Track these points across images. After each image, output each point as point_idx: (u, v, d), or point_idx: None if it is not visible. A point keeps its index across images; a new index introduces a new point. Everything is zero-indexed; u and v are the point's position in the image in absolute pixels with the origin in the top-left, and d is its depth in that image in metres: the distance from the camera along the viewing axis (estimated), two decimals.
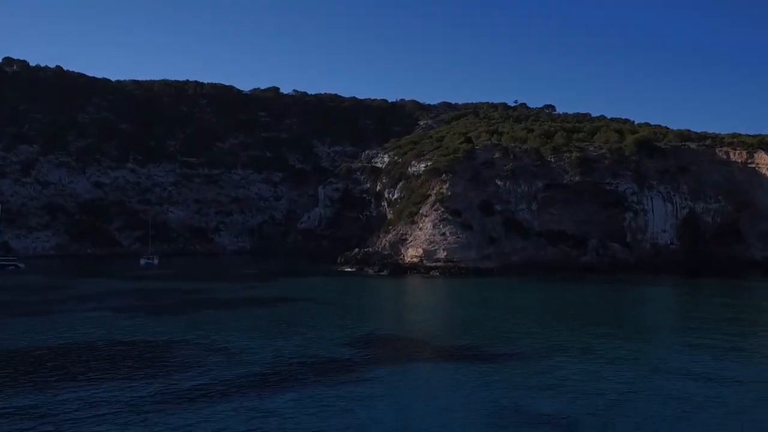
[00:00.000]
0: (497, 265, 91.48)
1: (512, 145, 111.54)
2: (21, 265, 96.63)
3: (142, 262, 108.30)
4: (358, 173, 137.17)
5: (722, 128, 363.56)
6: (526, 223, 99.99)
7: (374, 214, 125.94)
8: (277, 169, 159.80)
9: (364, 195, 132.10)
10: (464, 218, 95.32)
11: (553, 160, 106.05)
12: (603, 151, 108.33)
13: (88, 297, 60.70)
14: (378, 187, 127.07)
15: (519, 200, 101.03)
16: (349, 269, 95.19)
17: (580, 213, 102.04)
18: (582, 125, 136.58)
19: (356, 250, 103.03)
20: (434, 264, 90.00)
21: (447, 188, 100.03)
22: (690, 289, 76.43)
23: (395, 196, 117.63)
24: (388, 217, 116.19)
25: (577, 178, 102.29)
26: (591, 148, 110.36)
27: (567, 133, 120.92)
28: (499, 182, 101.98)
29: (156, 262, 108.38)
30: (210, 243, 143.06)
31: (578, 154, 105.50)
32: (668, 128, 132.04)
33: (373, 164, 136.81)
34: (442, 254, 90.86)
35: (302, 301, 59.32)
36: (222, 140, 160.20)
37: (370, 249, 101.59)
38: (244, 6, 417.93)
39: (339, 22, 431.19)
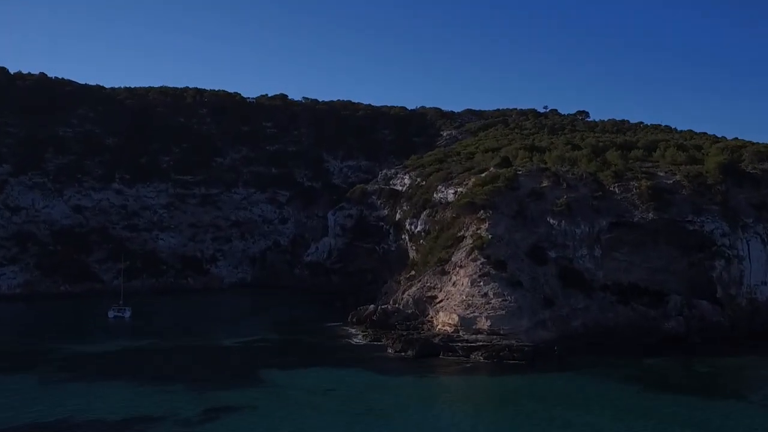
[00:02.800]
0: (555, 336, 66.12)
1: (562, 169, 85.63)
2: None
3: (111, 315, 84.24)
4: (374, 197, 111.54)
5: (723, 129, 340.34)
6: (588, 274, 74.18)
7: (393, 248, 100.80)
8: (283, 188, 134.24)
9: (381, 223, 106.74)
10: (510, 271, 69.68)
11: (617, 190, 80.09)
12: (677, 177, 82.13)
13: None
14: (398, 216, 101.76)
15: (578, 244, 75.15)
16: (363, 339, 69.60)
17: (654, 260, 76.08)
18: (633, 139, 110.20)
19: (371, 307, 77.78)
20: (474, 337, 64.49)
21: (486, 229, 74.53)
22: None
23: (418, 228, 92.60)
24: (411, 256, 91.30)
25: (650, 214, 76.22)
26: (661, 174, 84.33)
27: (622, 151, 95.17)
28: (552, 220, 76.17)
29: (127, 315, 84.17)
30: (205, 275, 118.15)
31: (648, 183, 79.37)
32: (745, 141, 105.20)
33: (391, 186, 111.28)
34: (484, 323, 65.28)
35: None
36: (222, 155, 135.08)
37: (389, 306, 76.29)
38: (249, 5, 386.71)
39: (352, 23, 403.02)
